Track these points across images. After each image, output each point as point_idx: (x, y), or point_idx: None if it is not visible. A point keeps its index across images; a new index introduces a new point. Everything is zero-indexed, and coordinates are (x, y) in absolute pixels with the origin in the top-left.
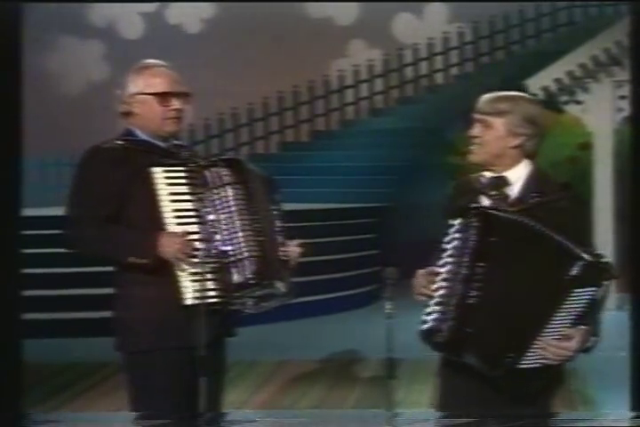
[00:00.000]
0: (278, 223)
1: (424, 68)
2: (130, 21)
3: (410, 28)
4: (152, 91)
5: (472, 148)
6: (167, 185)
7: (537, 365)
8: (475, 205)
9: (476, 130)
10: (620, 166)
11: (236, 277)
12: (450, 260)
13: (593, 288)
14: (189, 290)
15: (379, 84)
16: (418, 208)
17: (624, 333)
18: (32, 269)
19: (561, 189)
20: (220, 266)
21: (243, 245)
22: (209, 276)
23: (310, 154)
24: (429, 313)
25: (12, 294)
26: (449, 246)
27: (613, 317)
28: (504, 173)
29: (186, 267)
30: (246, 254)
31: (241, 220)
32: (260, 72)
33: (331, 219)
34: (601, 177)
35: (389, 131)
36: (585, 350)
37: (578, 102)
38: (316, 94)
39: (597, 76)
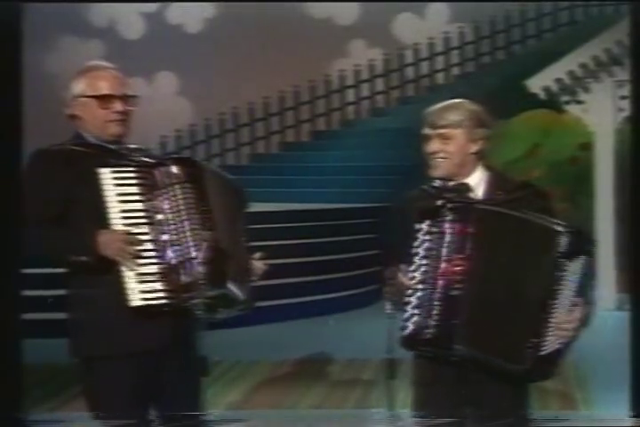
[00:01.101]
0: (239, 226)
1: (425, 67)
2: (130, 21)
3: (411, 27)
4: (93, 93)
5: (435, 162)
6: (114, 186)
7: (558, 346)
8: (448, 201)
9: (435, 145)
10: (622, 166)
11: (183, 278)
12: (424, 261)
13: (582, 258)
14: (135, 291)
15: (379, 84)
16: None
17: (624, 333)
18: (32, 269)
19: (522, 187)
20: (168, 266)
21: (191, 244)
22: (156, 277)
23: (311, 154)
24: (408, 318)
25: (12, 294)
26: (420, 249)
27: (613, 317)
28: (465, 180)
29: (132, 267)
30: (194, 254)
31: (189, 219)
32: (260, 72)
33: (331, 219)
34: (602, 177)
35: (390, 131)
36: (585, 322)
37: (579, 102)
38: (316, 94)
39: (598, 76)
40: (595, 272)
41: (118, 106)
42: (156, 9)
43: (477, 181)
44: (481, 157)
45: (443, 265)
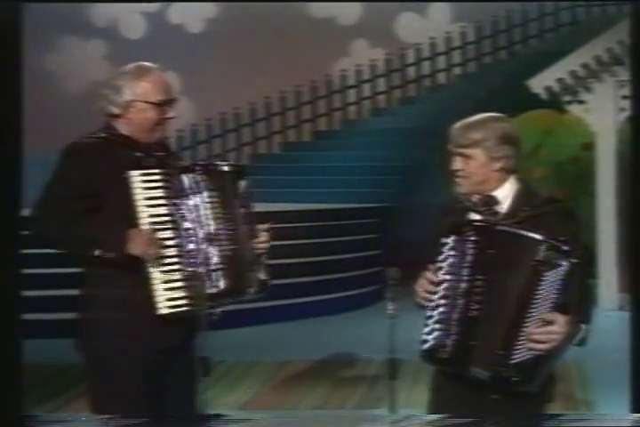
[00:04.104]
0: (249, 223)
1: (426, 67)
2: (131, 21)
3: (412, 27)
4: (152, 100)
5: (457, 180)
6: (143, 189)
7: (528, 356)
8: (471, 219)
9: (457, 163)
10: (623, 166)
11: (208, 288)
12: (447, 277)
13: (561, 269)
14: (162, 299)
15: (381, 84)
16: (420, 208)
17: (624, 333)
18: (32, 269)
19: (549, 203)
20: (194, 275)
21: (217, 255)
22: (182, 284)
23: (312, 154)
24: (430, 332)
25: (12, 294)
26: (444, 264)
27: (614, 317)
28: (492, 193)
29: (158, 270)
30: (220, 266)
31: (216, 229)
32: (262, 72)
33: (332, 219)
34: (604, 177)
35: (391, 131)
36: (579, 343)
37: (581, 102)
38: (318, 94)
39: (600, 76)
40: (588, 291)
41: (170, 111)
42: (157, 9)
43: (506, 194)
44: (511, 172)
45: (463, 285)
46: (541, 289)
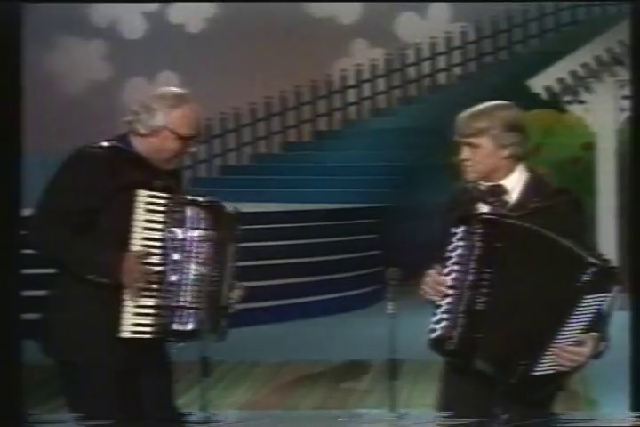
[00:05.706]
0: (233, 270)
1: (427, 67)
2: (131, 21)
3: (412, 27)
4: (180, 132)
5: (466, 169)
6: (145, 211)
7: (550, 371)
8: (478, 211)
9: (464, 153)
10: (623, 166)
11: (175, 325)
12: (455, 267)
13: (604, 294)
14: (128, 323)
15: (381, 84)
16: (420, 208)
17: (624, 333)
18: (32, 269)
19: (558, 193)
20: (166, 307)
21: (195, 294)
22: (151, 312)
23: (312, 154)
24: (438, 321)
25: (12, 294)
26: (453, 254)
27: (614, 317)
28: (501, 182)
29: (134, 298)
30: (194, 306)
31: (202, 269)
32: (262, 72)
33: (333, 219)
34: (604, 177)
35: (392, 131)
36: (595, 355)
37: (581, 102)
38: (318, 94)
39: (600, 76)
40: (612, 310)
41: (193, 146)
42: (158, 9)
43: (515, 183)
44: (519, 159)
45: (470, 277)
46: (580, 309)
